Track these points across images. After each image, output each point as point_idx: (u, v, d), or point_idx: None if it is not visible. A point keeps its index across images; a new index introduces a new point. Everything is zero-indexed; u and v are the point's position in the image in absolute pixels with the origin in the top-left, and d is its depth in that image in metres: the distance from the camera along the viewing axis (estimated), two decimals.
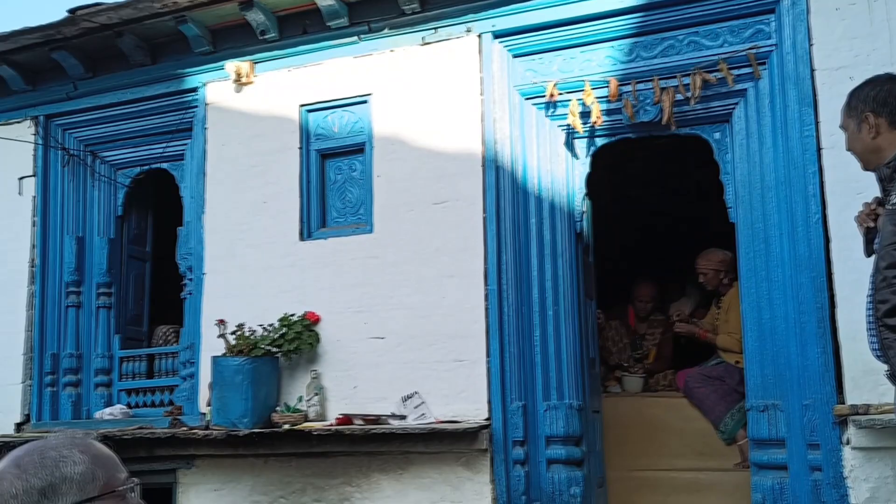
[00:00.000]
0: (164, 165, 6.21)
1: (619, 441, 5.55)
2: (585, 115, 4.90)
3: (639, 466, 5.59)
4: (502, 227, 4.93)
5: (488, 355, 4.85)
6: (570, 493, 4.70)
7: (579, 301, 5.02)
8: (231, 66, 5.59)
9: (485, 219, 4.96)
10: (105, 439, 1.61)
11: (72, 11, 5.63)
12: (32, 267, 6.18)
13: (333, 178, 5.54)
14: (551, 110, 5.09)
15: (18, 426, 6.03)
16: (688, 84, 4.72)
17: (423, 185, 5.17)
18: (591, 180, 5.15)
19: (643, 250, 7.65)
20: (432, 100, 5.24)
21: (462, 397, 4.89)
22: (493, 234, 4.92)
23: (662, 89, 4.78)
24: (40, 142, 6.28)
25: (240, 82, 5.66)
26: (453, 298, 4.98)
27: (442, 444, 4.78)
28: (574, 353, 4.91)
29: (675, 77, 4.77)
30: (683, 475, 5.53)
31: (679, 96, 4.74)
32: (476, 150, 5.07)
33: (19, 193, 6.28)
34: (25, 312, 6.13)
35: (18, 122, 6.34)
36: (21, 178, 6.29)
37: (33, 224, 6.22)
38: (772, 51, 4.62)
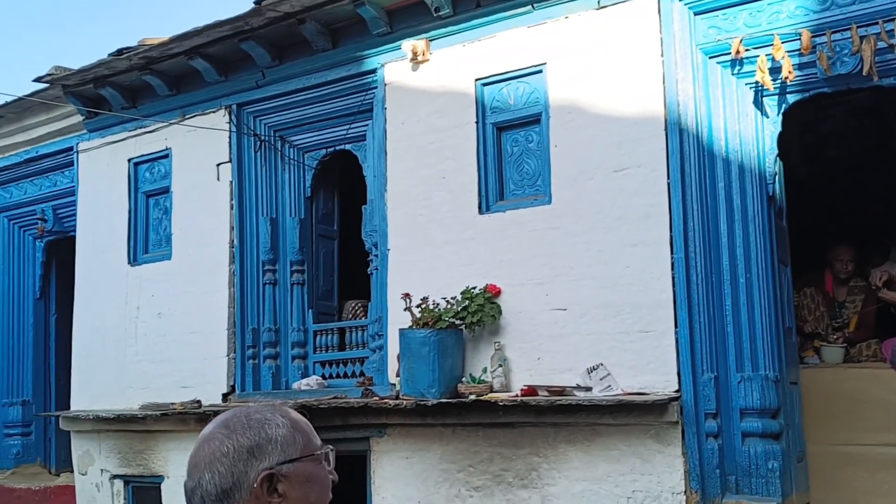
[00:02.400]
0: (348, 146, 6.44)
1: (820, 414, 5.24)
2: (775, 70, 4.62)
3: (841, 441, 5.26)
4: (688, 193, 4.75)
5: (676, 325, 4.71)
6: (769, 467, 4.49)
7: (773, 267, 4.76)
8: (408, 44, 5.70)
9: (669, 185, 4.80)
10: (302, 408, 1.69)
11: (258, 2, 5.91)
12: (232, 248, 6.59)
13: (510, 151, 5.53)
14: (737, 68, 4.83)
15: (225, 396, 6.48)
16: (891, 30, 4.34)
17: (602, 153, 5.07)
18: (782, 140, 4.86)
19: (840, 212, 7.16)
20: (609, 65, 5.11)
21: (649, 369, 4.78)
22: (678, 201, 4.75)
23: (862, 38, 4.43)
24: (234, 129, 6.66)
25: (416, 60, 5.75)
26: (638, 268, 4.86)
27: (630, 416, 4.70)
28: (769, 322, 4.67)
29: (875, 23, 4.41)
30: (890, 451, 5.15)
31: (881, 44, 4.37)
32: (657, 113, 4.91)
33: (217, 179, 6.70)
34: (227, 290, 6.55)
35: (213, 112, 6.76)
36: (218, 165, 6.71)
37: (231, 207, 6.63)
38: None
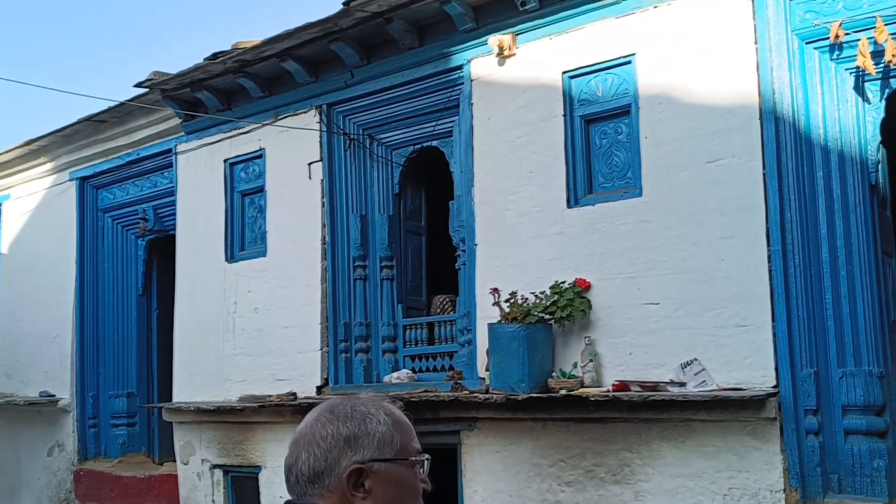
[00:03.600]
0: (435, 143, 6.49)
1: None
2: (877, 54, 4.44)
3: None
4: (784, 183, 4.61)
5: (774, 319, 4.59)
6: (874, 466, 4.33)
7: (877, 259, 4.58)
8: (494, 39, 5.70)
9: (765, 175, 4.68)
10: (394, 401, 1.67)
11: (346, 3, 6.01)
12: (324, 244, 6.73)
13: (598, 143, 5.48)
14: (836, 53, 4.66)
15: (319, 389, 6.63)
16: None
17: (694, 144, 4.98)
18: (885, 126, 4.67)
19: None
20: (701, 53, 5.01)
21: (746, 364, 4.67)
22: (774, 191, 4.62)
23: None
24: (324, 129, 6.80)
25: (502, 55, 5.75)
26: (733, 261, 4.75)
27: (726, 412, 4.61)
28: (872, 316, 4.50)
29: None
30: None
31: None
32: (752, 102, 4.78)
33: (309, 178, 6.85)
34: (320, 286, 6.70)
35: (305, 112, 6.91)
36: (310, 164, 6.86)
37: (322, 205, 6.77)
38: None
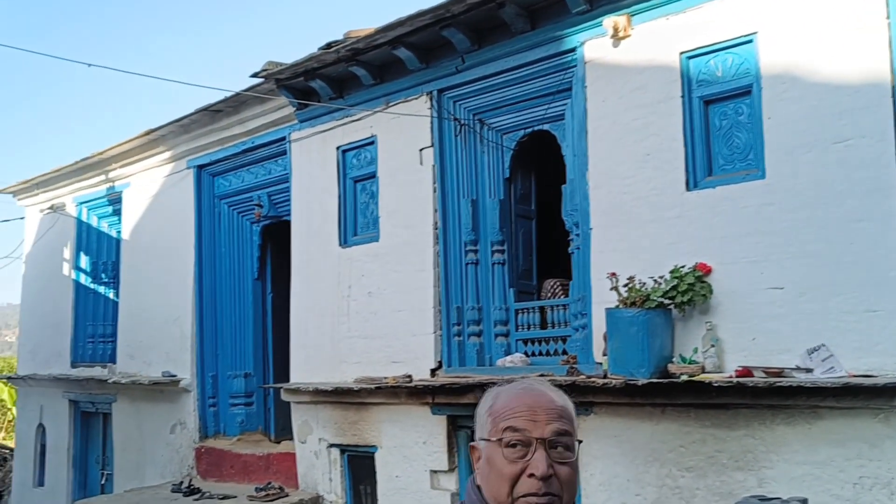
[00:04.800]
0: (546, 126, 6.48)
1: None
2: None
3: None
4: None
5: None
6: None
7: None
8: (608, 21, 5.65)
9: None
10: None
11: None
12: (436, 229, 6.83)
13: (718, 125, 5.38)
14: None
15: (433, 371, 6.75)
16: None
17: (820, 124, 4.83)
18: None
19: None
20: (827, 30, 4.85)
21: (877, 350, 4.54)
22: None
23: None
24: (435, 114, 6.88)
25: (617, 37, 5.70)
26: (863, 244, 4.61)
27: (856, 399, 4.49)
28: None
29: None
30: None
31: None
32: (883, 79, 4.61)
33: (420, 163, 6.95)
34: (432, 270, 6.80)
35: (416, 98, 7.00)
36: (421, 150, 6.95)
37: (434, 190, 6.86)
38: None
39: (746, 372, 4.83)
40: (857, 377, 4.49)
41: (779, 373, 4.72)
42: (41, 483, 11.63)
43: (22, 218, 12.57)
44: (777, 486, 4.77)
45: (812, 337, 4.75)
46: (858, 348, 4.61)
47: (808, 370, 4.67)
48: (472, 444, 1.76)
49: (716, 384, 4.81)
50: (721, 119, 5.36)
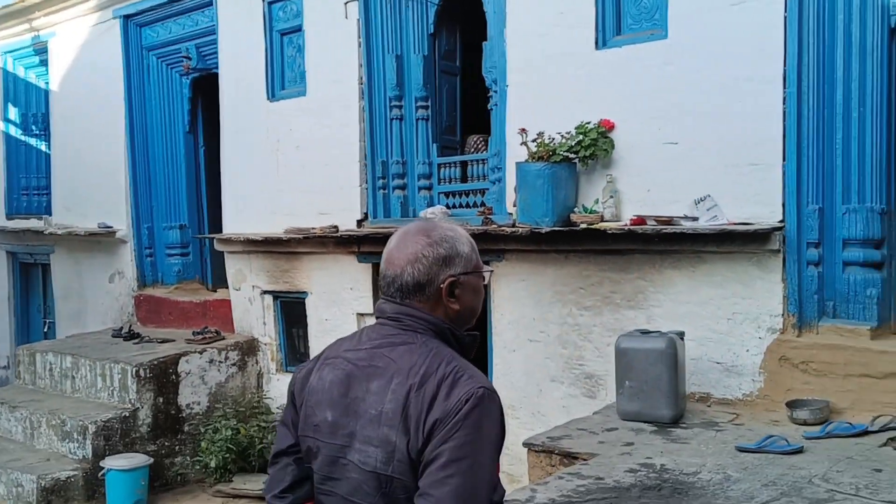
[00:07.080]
0: None
1: None
2: None
3: None
4: (804, 27, 4.74)
5: (784, 159, 4.85)
6: (867, 294, 4.71)
7: (889, 103, 4.76)
8: None
9: (785, 18, 4.80)
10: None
11: None
12: (361, 84, 6.99)
13: None
14: None
15: (359, 222, 7.09)
16: None
17: None
18: None
19: None
20: None
21: (755, 200, 4.97)
22: (793, 35, 4.76)
23: None
24: None
25: None
26: (750, 103, 4.96)
27: (733, 244, 4.97)
28: (879, 157, 4.72)
29: None
30: None
31: None
32: None
33: (346, 17, 7.01)
34: (358, 125, 7.02)
35: None
36: (346, 3, 7.00)
37: (359, 45, 6.97)
38: None
39: (640, 220, 5.25)
40: (736, 224, 4.95)
41: (668, 221, 5.16)
42: None
43: None
44: (663, 322, 5.31)
45: (701, 188, 5.16)
46: (739, 198, 5.03)
47: (694, 219, 5.12)
48: (453, 278, 1.92)
49: (611, 231, 5.24)
50: None
